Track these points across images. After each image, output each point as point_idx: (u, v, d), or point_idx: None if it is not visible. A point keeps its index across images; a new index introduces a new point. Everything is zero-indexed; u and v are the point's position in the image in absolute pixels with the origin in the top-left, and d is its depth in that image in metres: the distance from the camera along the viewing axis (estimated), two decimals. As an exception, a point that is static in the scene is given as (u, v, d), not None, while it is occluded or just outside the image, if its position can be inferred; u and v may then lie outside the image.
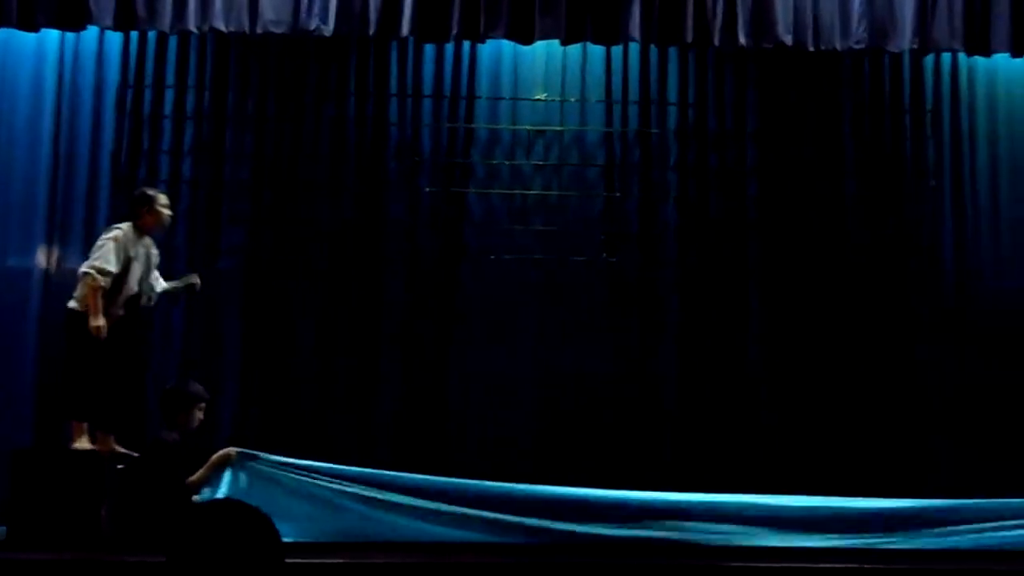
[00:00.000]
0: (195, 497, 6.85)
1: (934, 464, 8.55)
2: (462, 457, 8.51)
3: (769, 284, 8.91)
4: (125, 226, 7.42)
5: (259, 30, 8.33)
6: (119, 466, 7.13)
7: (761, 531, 6.92)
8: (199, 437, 7.39)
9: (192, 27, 8.29)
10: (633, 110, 9.06)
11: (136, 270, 7.38)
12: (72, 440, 7.21)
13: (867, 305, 8.85)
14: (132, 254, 7.34)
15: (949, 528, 6.98)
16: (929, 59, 9.03)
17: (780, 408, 8.76)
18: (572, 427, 8.71)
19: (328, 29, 8.29)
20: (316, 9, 8.23)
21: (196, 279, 7.82)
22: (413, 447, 8.57)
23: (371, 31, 8.32)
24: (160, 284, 7.68)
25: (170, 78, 8.95)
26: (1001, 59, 8.71)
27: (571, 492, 7.02)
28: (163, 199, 7.60)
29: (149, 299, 7.55)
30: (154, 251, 7.60)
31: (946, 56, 8.99)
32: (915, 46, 8.41)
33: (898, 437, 8.63)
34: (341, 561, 6.29)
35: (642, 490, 7.26)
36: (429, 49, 9.03)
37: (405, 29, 8.29)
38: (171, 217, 7.69)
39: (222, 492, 6.81)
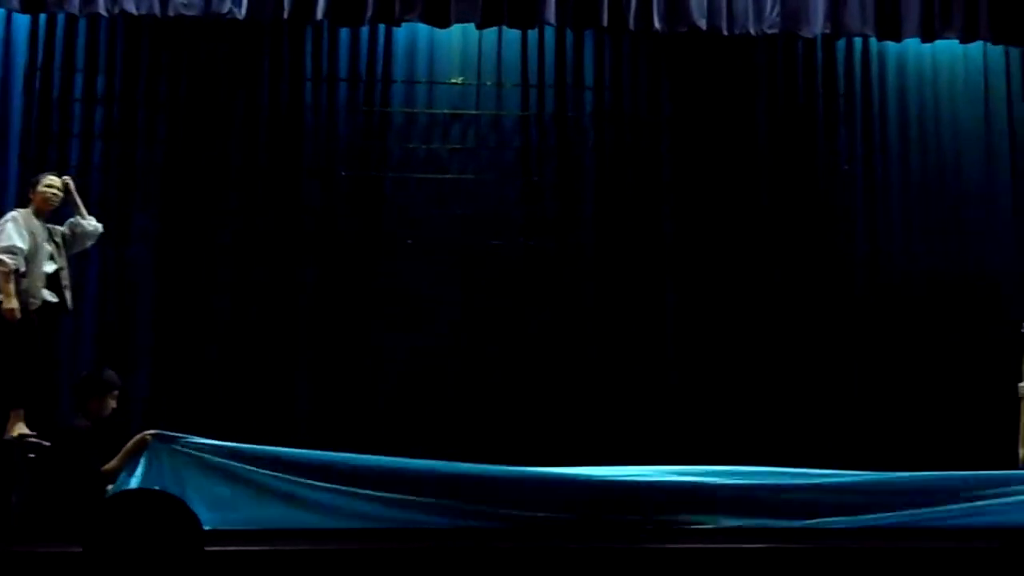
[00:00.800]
0: (110, 485, 6.74)
1: (845, 439, 8.62)
2: (382, 440, 8.45)
3: (685, 266, 8.98)
4: (21, 210, 7.40)
5: (171, 13, 8.24)
6: (30, 455, 7.01)
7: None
8: (113, 424, 7.27)
9: (102, 10, 8.17)
10: (549, 94, 9.08)
11: (44, 251, 7.31)
12: (8, 429, 7.08)
13: (781, 287, 8.95)
14: (35, 235, 7.27)
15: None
16: (841, 44, 9.14)
17: (694, 388, 8.82)
18: (491, 409, 8.70)
19: (241, 13, 8.22)
20: (229, -7, 8.14)
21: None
22: (331, 430, 8.51)
23: (285, 14, 8.25)
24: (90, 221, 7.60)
25: (80, 62, 8.81)
26: (911, 44, 8.86)
27: (491, 469, 6.96)
28: (47, 179, 7.49)
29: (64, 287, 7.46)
30: (60, 228, 7.51)
31: (858, 41, 9.10)
32: (827, 31, 8.53)
33: (810, 414, 8.73)
34: (263, 549, 6.21)
35: (566, 466, 7.21)
36: (344, 33, 8.97)
37: (319, 12, 8.25)
38: (58, 196, 7.50)
39: (139, 478, 6.68)
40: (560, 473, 6.95)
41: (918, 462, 7.40)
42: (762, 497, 6.82)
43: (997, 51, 9.13)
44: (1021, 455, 7.77)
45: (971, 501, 6.81)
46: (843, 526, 6.64)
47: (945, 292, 9.07)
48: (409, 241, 8.88)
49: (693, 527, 6.59)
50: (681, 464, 7.15)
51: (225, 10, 8.19)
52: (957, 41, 8.72)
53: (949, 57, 9.21)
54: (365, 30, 8.93)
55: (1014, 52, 9.17)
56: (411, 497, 6.66)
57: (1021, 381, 7.93)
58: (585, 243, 8.97)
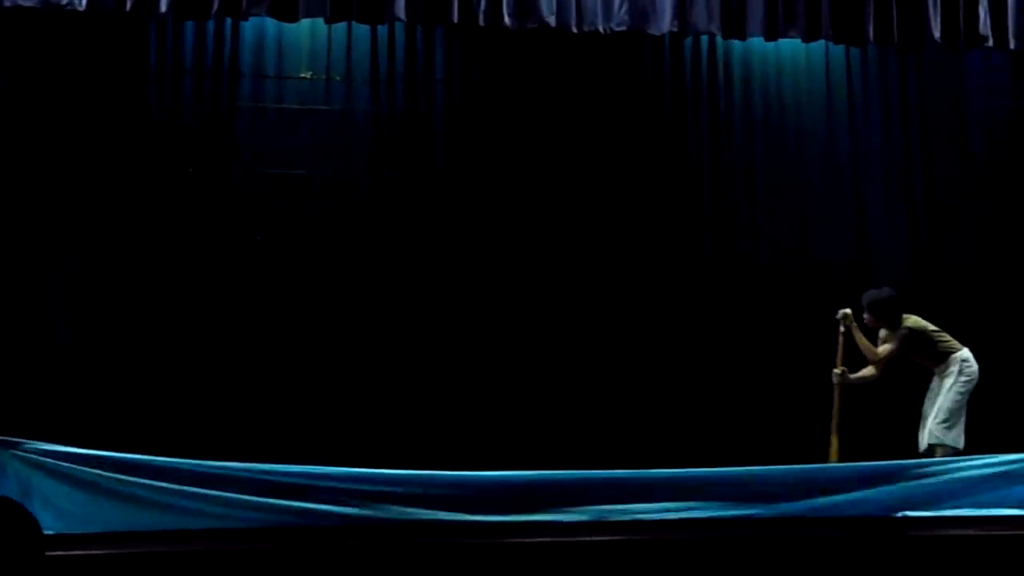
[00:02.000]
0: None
1: (681, 436, 8.68)
2: (232, 442, 8.34)
3: (535, 261, 8.96)
4: None
5: (7, 3, 8.00)
6: None
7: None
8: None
9: (-68, 0, 7.90)
10: (400, 89, 9.03)
11: None
12: None
13: (628, 283, 9.02)
14: None
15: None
16: (688, 42, 9.26)
17: (545, 383, 8.82)
18: (344, 408, 8.62)
19: (81, 4, 8.01)
20: (68, -16, 7.92)
21: None
22: (177, 432, 8.34)
23: (128, 7, 8.06)
24: None
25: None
26: (756, 42, 9.02)
27: (342, 472, 6.90)
28: None
29: None
30: None
31: (704, 39, 9.23)
32: (675, 29, 8.64)
33: (653, 409, 8.82)
34: (105, 552, 6.07)
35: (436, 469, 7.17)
36: (189, 26, 8.80)
37: (163, 5, 8.09)
38: None
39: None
40: (396, 474, 6.92)
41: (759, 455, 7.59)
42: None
43: (839, 50, 9.35)
44: (832, 443, 7.96)
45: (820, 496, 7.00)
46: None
47: (790, 285, 9.27)
48: (259, 237, 8.76)
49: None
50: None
51: (65, 1, 7.98)
52: (800, 40, 8.91)
53: (792, 56, 9.40)
54: (211, 23, 8.77)
55: (855, 52, 9.40)
56: (251, 498, 6.61)
57: (836, 368, 8.14)
58: (436, 239, 8.93)
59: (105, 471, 6.57)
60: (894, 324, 8.15)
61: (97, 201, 8.60)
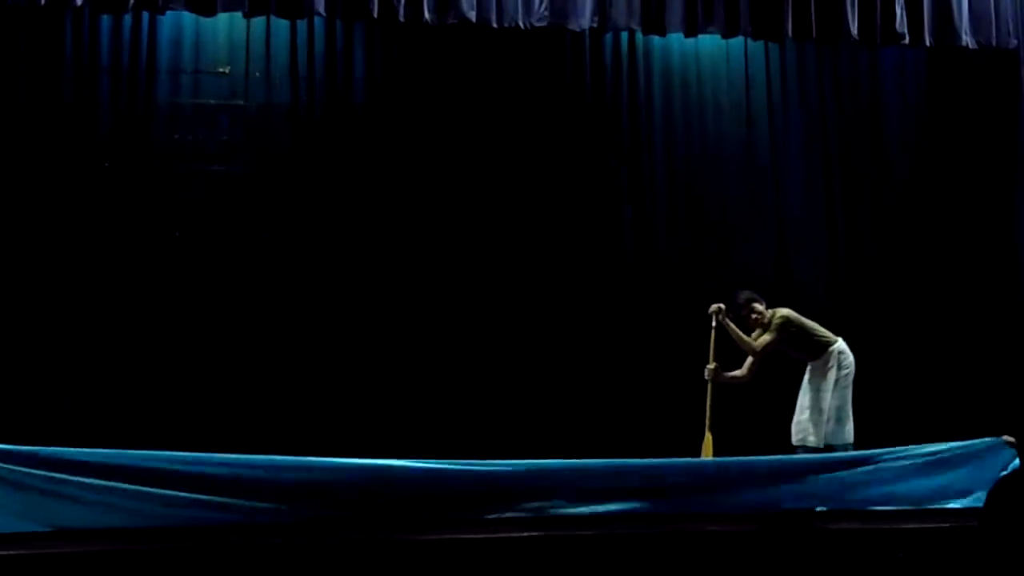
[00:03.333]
0: None
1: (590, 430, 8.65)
2: (143, 436, 8.24)
3: (451, 259, 8.96)
4: None
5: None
6: None
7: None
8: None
9: None
10: (319, 85, 8.97)
11: None
12: None
13: (549, 282, 9.03)
14: None
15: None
16: (608, 38, 9.27)
17: (472, 378, 8.84)
18: (264, 402, 8.54)
19: (-6, -4, 7.87)
20: (-20, -23, 7.78)
21: None
22: (92, 429, 8.20)
23: (42, 0, 7.93)
24: None
25: None
26: (675, 38, 9.04)
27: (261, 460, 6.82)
28: None
29: None
30: None
31: (624, 35, 9.25)
32: (595, 25, 8.62)
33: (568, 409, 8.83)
34: (23, 553, 5.97)
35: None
36: (105, 20, 8.68)
37: (79, -1, 7.95)
38: None
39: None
40: (337, 462, 6.85)
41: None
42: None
43: (758, 47, 9.39)
44: (706, 440, 7.98)
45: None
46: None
47: (709, 288, 9.28)
48: (176, 234, 8.67)
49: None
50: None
51: (-22, -7, 7.84)
52: (719, 36, 8.94)
53: (712, 52, 9.43)
54: (128, 17, 8.66)
55: (774, 48, 9.46)
56: (173, 492, 6.52)
57: (709, 364, 8.09)
58: (354, 235, 8.89)
59: (23, 467, 6.46)
60: (762, 318, 8.05)
61: (10, 197, 8.47)
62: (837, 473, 7.21)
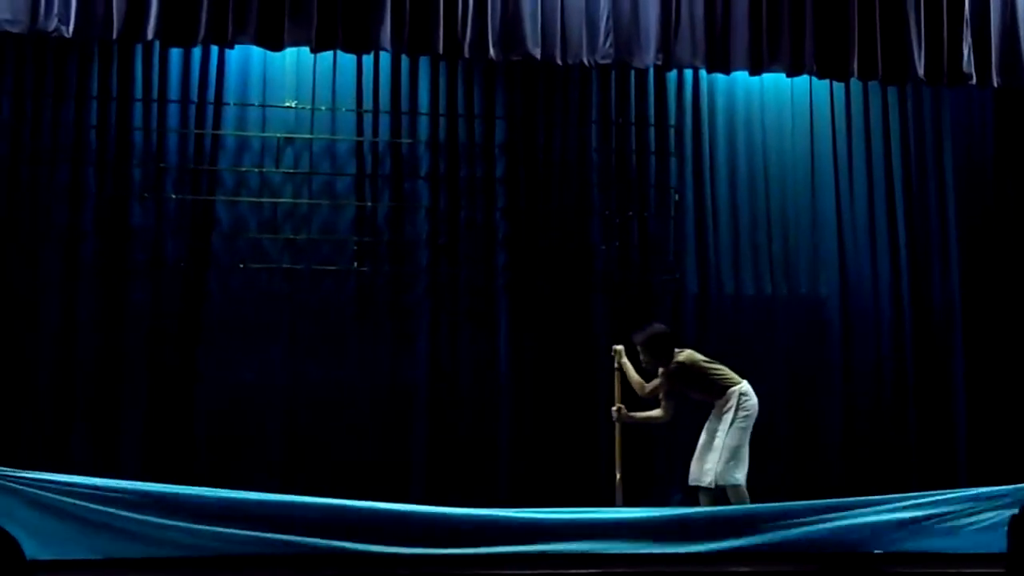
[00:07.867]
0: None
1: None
2: (208, 468, 8.34)
3: (517, 294, 9.03)
4: None
5: (-6, 29, 7.98)
6: None
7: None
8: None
9: (-80, 25, 7.86)
10: (384, 120, 9.05)
11: None
12: None
13: (613, 315, 9.03)
14: None
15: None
16: (673, 75, 9.28)
17: (529, 418, 8.86)
18: (322, 438, 8.63)
19: (68, 31, 7.93)
20: (56, 10, 7.82)
21: None
22: (159, 458, 8.35)
23: (114, 33, 8.02)
24: None
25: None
26: (740, 76, 9.02)
27: (319, 502, 6.91)
28: None
29: None
30: None
31: (688, 73, 9.25)
32: (659, 62, 8.60)
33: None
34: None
35: (398, 502, 7.19)
36: (175, 53, 8.81)
37: (150, 32, 8.02)
38: None
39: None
40: (377, 507, 6.91)
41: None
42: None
43: (822, 85, 9.36)
44: (616, 480, 7.93)
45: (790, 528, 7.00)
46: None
47: (775, 320, 9.28)
48: (241, 266, 8.75)
49: None
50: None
51: (51, 27, 7.90)
52: (784, 74, 8.91)
53: (776, 90, 9.43)
54: (197, 51, 8.79)
55: (838, 87, 9.42)
56: (227, 530, 6.59)
57: (614, 405, 8.07)
58: (418, 269, 8.97)
59: (76, 499, 6.56)
60: (667, 360, 7.97)
61: (78, 226, 8.65)
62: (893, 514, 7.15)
